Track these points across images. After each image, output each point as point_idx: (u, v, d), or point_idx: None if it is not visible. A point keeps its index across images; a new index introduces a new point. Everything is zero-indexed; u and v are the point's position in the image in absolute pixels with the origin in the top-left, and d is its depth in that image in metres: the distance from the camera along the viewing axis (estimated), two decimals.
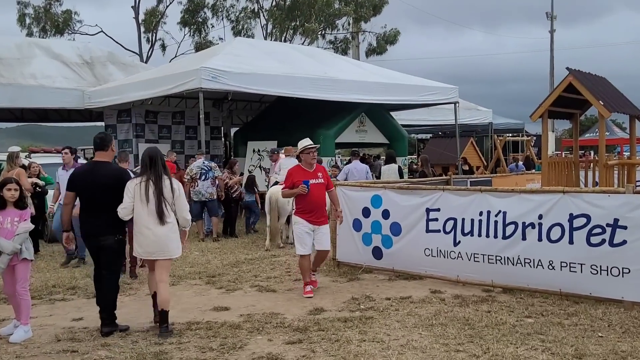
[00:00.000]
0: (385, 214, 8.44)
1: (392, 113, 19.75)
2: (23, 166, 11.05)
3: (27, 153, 14.55)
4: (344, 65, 18.63)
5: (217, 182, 12.69)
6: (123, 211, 5.98)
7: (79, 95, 17.35)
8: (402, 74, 19.58)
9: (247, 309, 6.96)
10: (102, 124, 18.91)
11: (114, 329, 6.10)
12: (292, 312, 6.79)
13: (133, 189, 5.99)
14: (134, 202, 5.97)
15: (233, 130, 22.81)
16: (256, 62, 15.70)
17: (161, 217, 5.93)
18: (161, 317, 6.03)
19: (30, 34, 32.43)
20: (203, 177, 12.56)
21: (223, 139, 21.96)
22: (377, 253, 8.57)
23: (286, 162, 12.29)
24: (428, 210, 8.04)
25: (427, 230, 8.06)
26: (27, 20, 33.15)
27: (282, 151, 13.53)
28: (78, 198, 6.27)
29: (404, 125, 20.42)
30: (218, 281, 8.47)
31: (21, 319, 6.00)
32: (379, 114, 18.51)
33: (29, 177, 10.87)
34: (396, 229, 8.33)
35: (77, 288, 8.18)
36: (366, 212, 8.65)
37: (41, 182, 11.22)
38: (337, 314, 6.62)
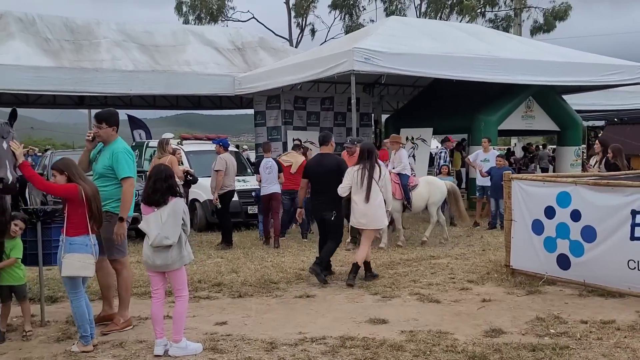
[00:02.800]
0: (575, 215, 7.09)
1: (563, 97, 17.77)
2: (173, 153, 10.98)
3: (179, 140, 14.73)
4: (510, 43, 16.97)
5: None
6: (341, 190, 7.63)
7: (230, 82, 17.34)
8: (578, 51, 17.49)
9: (408, 323, 6.05)
10: (252, 111, 18.90)
11: (320, 272, 7.69)
12: (463, 331, 5.77)
13: (352, 173, 7.60)
14: (351, 184, 7.56)
15: (384, 118, 21.95)
16: (412, 42, 14.63)
17: (368, 196, 7.49)
18: (353, 267, 7.67)
19: (186, 22, 33.83)
20: None
21: (373, 126, 21.19)
22: (563, 262, 7.24)
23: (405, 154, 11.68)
24: (634, 213, 6.58)
25: (633, 238, 6.60)
26: (184, 9, 34.59)
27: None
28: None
29: None
30: (372, 285, 7.63)
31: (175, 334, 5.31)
32: (549, 97, 16.66)
33: None
34: (589, 234, 6.95)
35: (222, 285, 7.75)
36: (550, 212, 7.35)
37: (192, 170, 11.11)
38: (521, 339, 5.48)
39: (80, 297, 5.33)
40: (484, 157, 13.23)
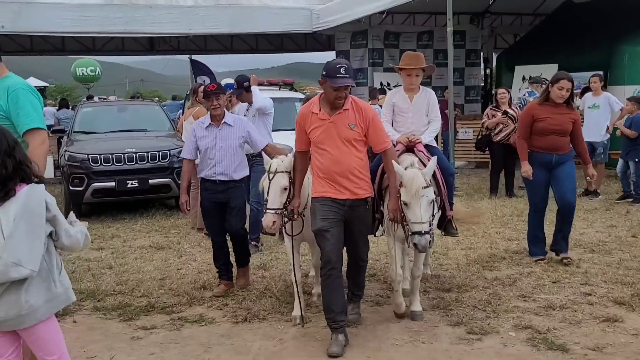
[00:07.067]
0: None
1: None
2: None
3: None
4: None
5: None
6: None
7: (307, 16, 14.60)
8: None
9: None
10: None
11: None
12: None
13: None
14: None
15: (496, 56, 18.41)
16: None
17: None
18: None
19: None
20: None
21: (482, 65, 17.77)
22: None
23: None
24: None
25: None
26: None
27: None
28: None
29: None
30: (455, 304, 4.84)
31: None
32: None
33: None
34: None
35: (231, 297, 5.29)
36: None
37: None
38: None
39: None
40: (592, 103, 9.66)
